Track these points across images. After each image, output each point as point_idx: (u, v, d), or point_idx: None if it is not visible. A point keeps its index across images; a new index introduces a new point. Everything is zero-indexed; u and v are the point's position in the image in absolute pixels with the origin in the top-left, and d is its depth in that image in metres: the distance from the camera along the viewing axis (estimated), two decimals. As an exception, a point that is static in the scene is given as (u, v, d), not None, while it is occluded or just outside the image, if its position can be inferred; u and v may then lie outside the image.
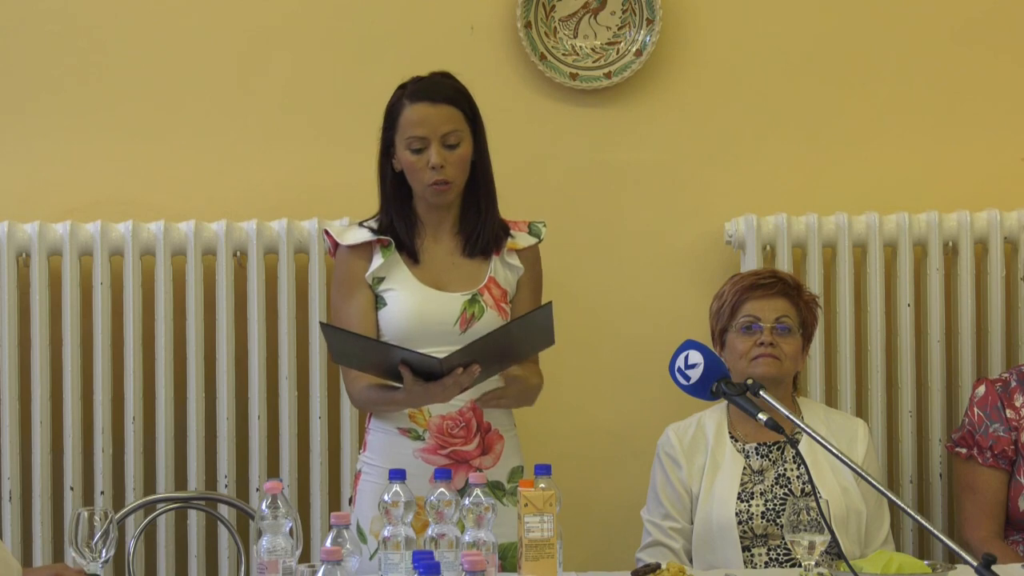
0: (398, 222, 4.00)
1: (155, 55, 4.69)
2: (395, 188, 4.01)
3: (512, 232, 4.05)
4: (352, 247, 4.00)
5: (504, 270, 4.02)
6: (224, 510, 4.29)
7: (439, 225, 4.02)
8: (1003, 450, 4.29)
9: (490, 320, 3.96)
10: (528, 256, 4.06)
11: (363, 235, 4.00)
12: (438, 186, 3.93)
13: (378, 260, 3.98)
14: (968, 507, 4.36)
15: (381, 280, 3.98)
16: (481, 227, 4.00)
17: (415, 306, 3.94)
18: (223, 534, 4.54)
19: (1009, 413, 4.31)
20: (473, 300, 3.96)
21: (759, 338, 4.08)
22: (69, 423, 4.54)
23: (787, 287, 4.14)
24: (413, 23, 4.73)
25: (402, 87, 4.00)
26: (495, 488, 3.94)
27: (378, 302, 3.98)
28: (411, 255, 4.00)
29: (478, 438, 3.97)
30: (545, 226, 4.09)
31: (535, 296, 4.07)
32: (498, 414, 3.99)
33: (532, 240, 4.06)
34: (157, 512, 4.20)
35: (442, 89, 3.96)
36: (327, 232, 4.05)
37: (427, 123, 3.92)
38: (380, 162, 4.03)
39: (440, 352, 3.78)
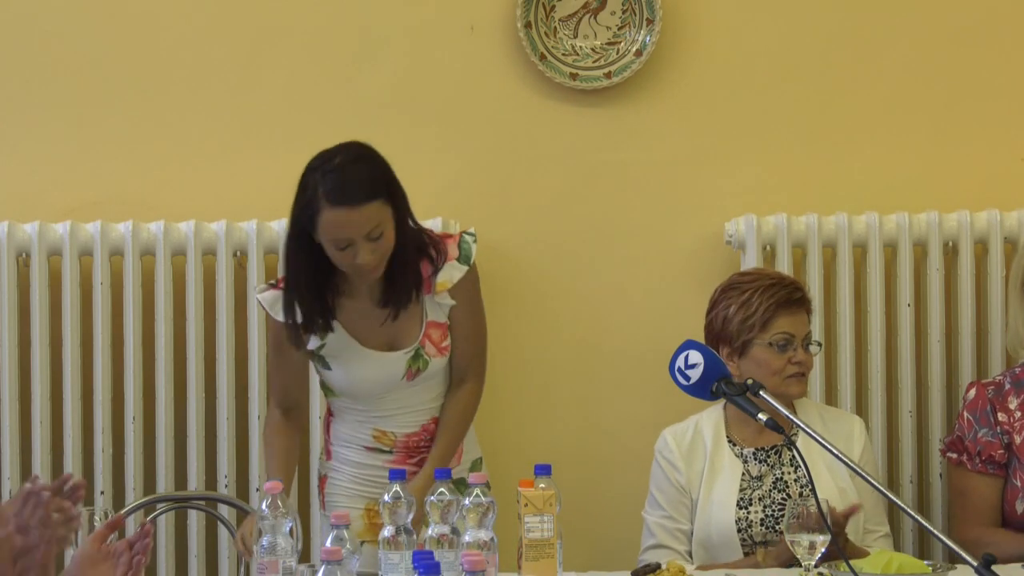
0: (321, 309, 3.93)
1: (155, 55, 4.68)
2: (311, 262, 3.91)
3: (439, 264, 3.97)
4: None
5: (436, 308, 4.01)
6: (224, 510, 4.30)
7: (372, 285, 3.97)
8: (990, 455, 4.25)
9: (436, 365, 3.99)
10: (459, 289, 4.00)
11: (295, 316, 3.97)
12: (364, 271, 3.89)
13: (315, 341, 3.99)
14: (959, 512, 4.32)
15: (322, 346, 4.00)
16: (399, 292, 3.93)
17: (360, 372, 3.98)
18: (223, 534, 4.54)
19: (1001, 416, 4.27)
20: (416, 356, 3.99)
21: (793, 356, 4.01)
22: (69, 423, 4.55)
23: (806, 299, 4.10)
24: (413, 23, 4.73)
25: (314, 172, 3.86)
26: (459, 484, 3.92)
27: (320, 362, 4.01)
28: (345, 325, 3.98)
29: None
30: (475, 240, 4.03)
31: (473, 317, 4.04)
32: None
33: (463, 270, 3.99)
34: (157, 512, 4.20)
35: (359, 188, 3.81)
36: (260, 303, 4.04)
37: (350, 227, 3.82)
38: (289, 245, 3.93)
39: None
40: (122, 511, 4.14)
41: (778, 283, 4.10)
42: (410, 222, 3.92)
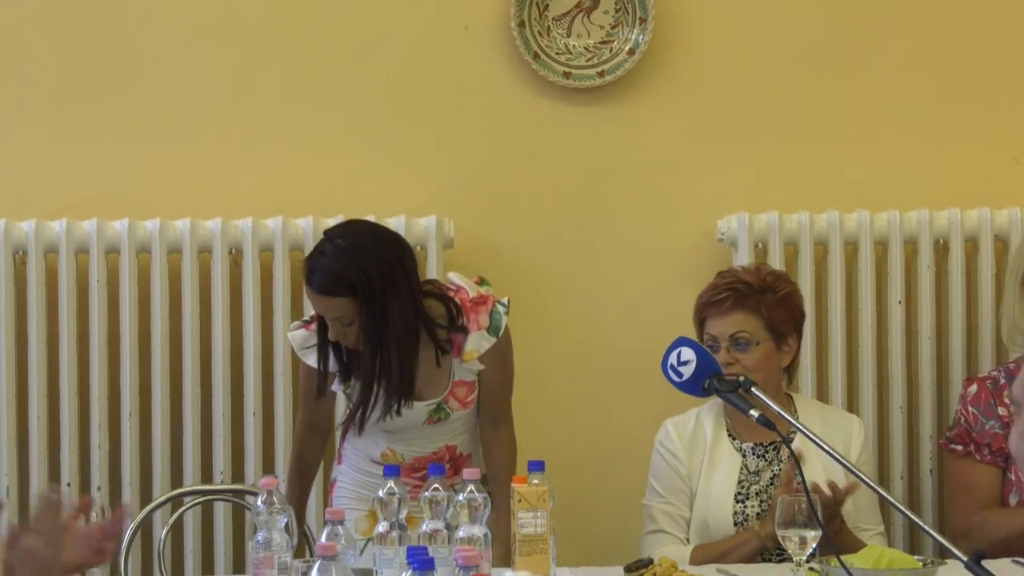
0: (350, 363, 4.00)
1: (151, 53, 4.70)
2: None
3: (469, 331, 3.98)
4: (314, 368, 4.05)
5: (464, 372, 4.04)
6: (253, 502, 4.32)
7: None
8: (1000, 447, 4.27)
9: (458, 415, 4.04)
10: (487, 356, 4.02)
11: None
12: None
13: (338, 385, 4.05)
14: (960, 501, 4.33)
15: (347, 388, 4.05)
16: (393, 387, 3.96)
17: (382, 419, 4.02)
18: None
19: (1001, 410, 4.30)
20: (438, 408, 4.03)
21: (718, 358, 3.98)
22: (66, 420, 4.56)
23: (742, 296, 4.05)
24: (407, 22, 4.74)
25: (318, 243, 3.96)
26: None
27: (347, 398, 4.08)
28: None
29: (450, 463, 4.08)
30: (507, 310, 4.03)
31: (503, 376, 4.07)
32: (465, 438, 4.11)
33: (491, 341, 4.00)
34: (185, 507, 4.23)
35: (322, 281, 3.86)
36: (290, 340, 4.11)
37: (317, 306, 3.93)
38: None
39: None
40: (149, 505, 4.19)
41: (713, 286, 4.12)
42: (395, 321, 3.87)
